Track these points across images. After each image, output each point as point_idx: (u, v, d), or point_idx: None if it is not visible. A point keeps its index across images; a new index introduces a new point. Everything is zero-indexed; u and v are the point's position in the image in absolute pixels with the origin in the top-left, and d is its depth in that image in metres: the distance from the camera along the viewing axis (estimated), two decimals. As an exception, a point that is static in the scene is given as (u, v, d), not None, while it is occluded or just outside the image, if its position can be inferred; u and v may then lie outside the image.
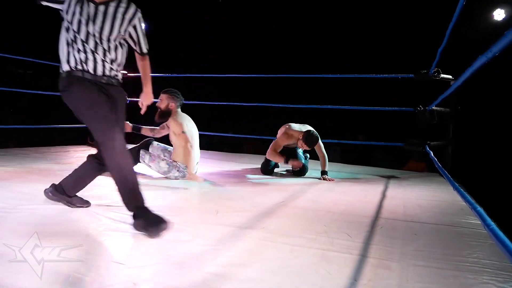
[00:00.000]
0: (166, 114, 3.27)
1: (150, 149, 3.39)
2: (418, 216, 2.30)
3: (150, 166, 3.24)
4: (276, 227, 1.94)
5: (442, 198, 2.84)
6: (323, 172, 3.56)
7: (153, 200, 2.43)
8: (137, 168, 2.96)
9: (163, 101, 3.28)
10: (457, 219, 2.26)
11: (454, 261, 1.58)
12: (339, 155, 7.56)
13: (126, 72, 5.82)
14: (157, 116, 3.29)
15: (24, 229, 1.74)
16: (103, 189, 2.76)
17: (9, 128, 7.40)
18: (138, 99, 2.24)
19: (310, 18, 10.26)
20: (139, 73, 2.20)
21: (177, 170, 3.18)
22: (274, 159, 3.62)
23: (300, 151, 3.77)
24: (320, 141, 3.58)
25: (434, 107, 3.69)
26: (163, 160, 3.21)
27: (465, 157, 4.58)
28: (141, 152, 3.26)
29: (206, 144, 8.62)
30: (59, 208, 2.13)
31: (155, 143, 3.46)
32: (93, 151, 2.17)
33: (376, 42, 9.65)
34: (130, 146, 2.98)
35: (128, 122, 3.40)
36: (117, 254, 1.54)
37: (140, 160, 3.25)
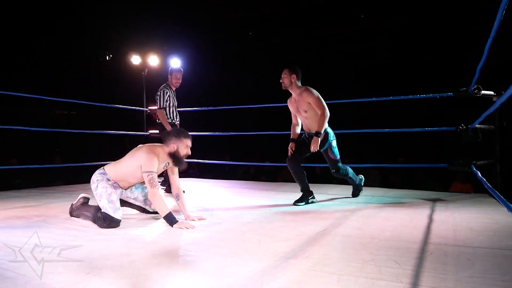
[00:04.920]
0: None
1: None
2: (471, 240, 2.18)
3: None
4: (320, 256, 1.90)
5: (495, 220, 2.69)
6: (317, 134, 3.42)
7: (195, 232, 2.45)
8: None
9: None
10: (514, 242, 2.12)
11: (515, 287, 1.48)
12: (378, 179, 7.37)
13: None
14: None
15: (73, 263, 1.79)
16: (147, 225, 2.82)
17: (56, 167, 7.78)
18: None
19: (344, 42, 10.33)
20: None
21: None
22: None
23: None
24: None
25: (477, 125, 3.55)
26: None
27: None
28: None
29: (243, 174, 8.68)
30: (105, 243, 2.19)
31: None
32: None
33: (412, 63, 9.53)
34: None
35: None
36: (164, 287, 1.55)
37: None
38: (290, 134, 3.76)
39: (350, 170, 3.73)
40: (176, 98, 4.58)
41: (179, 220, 2.63)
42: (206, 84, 11.30)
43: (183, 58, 9.55)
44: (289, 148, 3.67)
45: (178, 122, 4.57)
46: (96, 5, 9.42)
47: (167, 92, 4.41)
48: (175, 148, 2.80)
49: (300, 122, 3.72)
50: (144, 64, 9.13)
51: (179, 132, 2.83)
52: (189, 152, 2.86)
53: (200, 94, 10.90)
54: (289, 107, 3.70)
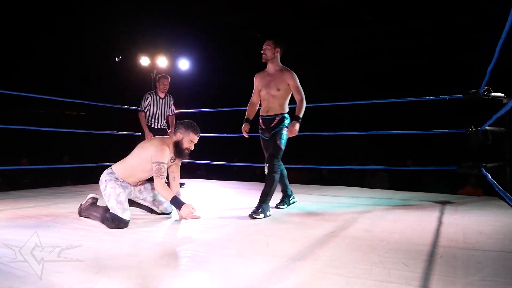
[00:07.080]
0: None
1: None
2: (480, 244, 2.15)
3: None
4: (328, 258, 1.89)
5: (506, 223, 2.65)
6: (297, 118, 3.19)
7: (202, 232, 2.46)
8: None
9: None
10: (525, 245, 2.10)
11: (526, 291, 1.46)
12: (386, 181, 7.33)
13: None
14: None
15: (82, 263, 1.81)
16: (156, 226, 2.83)
17: (66, 167, 7.85)
18: None
19: (349, 43, 10.29)
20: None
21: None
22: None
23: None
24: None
25: (487, 127, 3.52)
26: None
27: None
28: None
29: (250, 176, 8.68)
30: (113, 243, 2.20)
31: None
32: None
33: (422, 65, 9.45)
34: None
35: None
36: (172, 287, 1.55)
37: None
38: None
39: (281, 175, 3.32)
40: (166, 105, 4.79)
41: (185, 203, 2.74)
42: (214, 85, 11.33)
43: (192, 59, 9.59)
44: (243, 130, 3.39)
45: (160, 128, 4.78)
46: (105, 6, 9.49)
47: (147, 98, 4.70)
48: (180, 138, 2.87)
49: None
50: (153, 66, 9.18)
51: (189, 125, 2.90)
52: (192, 147, 2.92)
53: (208, 95, 10.93)
54: (257, 81, 3.44)
